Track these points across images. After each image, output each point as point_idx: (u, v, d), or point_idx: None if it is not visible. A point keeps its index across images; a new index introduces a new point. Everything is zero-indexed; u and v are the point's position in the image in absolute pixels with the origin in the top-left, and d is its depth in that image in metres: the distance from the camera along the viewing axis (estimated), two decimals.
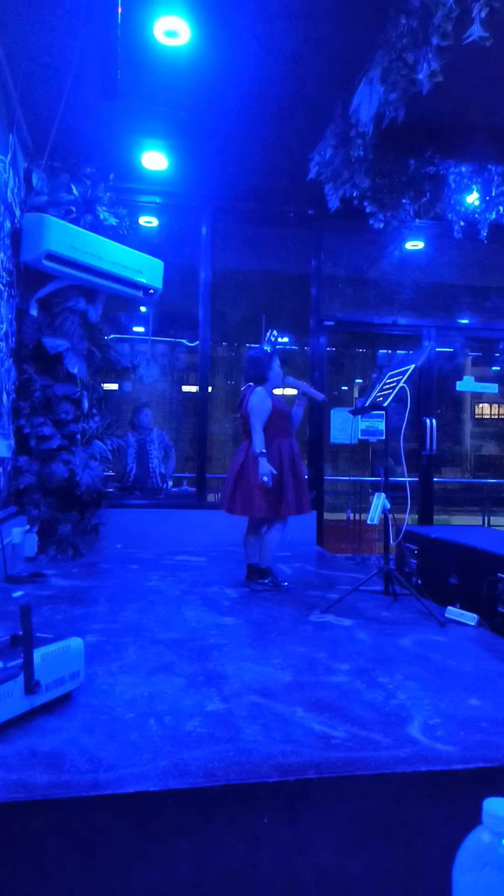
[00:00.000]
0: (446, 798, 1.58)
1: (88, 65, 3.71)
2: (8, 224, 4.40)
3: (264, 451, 3.67)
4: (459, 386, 6.65)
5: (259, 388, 3.80)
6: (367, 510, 3.53)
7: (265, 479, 3.59)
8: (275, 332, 4.00)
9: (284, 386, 3.99)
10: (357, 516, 6.29)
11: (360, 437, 6.14)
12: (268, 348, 3.94)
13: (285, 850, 1.49)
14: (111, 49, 3.40)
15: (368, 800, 1.55)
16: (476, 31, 2.81)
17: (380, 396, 3.59)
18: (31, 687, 1.79)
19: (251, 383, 3.89)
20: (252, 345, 4.16)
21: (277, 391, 3.96)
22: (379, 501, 3.42)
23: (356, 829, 1.54)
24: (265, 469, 3.61)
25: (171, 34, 3.74)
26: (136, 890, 1.42)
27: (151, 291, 5.28)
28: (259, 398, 3.75)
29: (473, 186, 4.65)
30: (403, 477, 3.53)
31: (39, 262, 4.54)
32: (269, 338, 3.99)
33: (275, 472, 3.66)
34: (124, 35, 3.39)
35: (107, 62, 3.48)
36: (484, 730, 1.84)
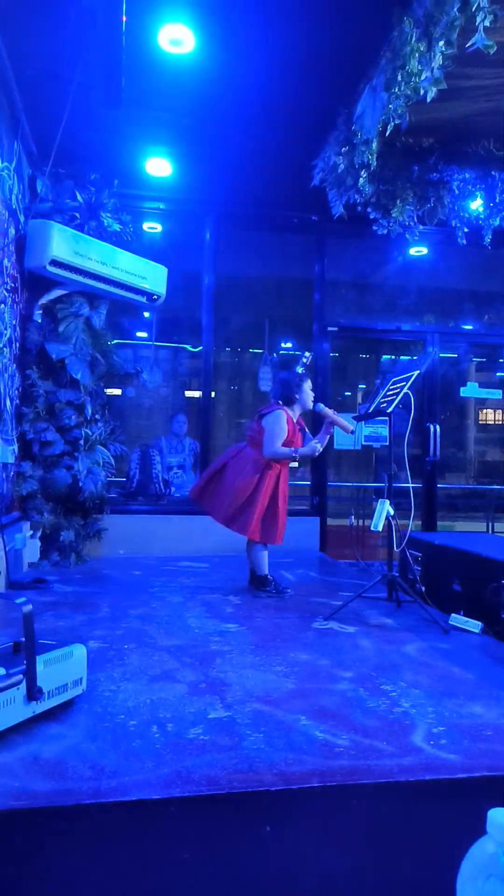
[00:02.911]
0: (450, 807, 1.57)
1: (93, 73, 3.72)
2: (12, 230, 4.41)
3: (299, 450, 3.80)
4: (463, 392, 6.64)
5: (281, 412, 3.81)
6: (370, 516, 3.52)
7: (317, 444, 3.79)
8: (307, 354, 4.04)
9: (315, 411, 3.95)
10: (360, 522, 6.26)
11: (363, 442, 6.14)
12: (300, 369, 3.96)
13: (288, 858, 1.48)
14: (115, 57, 3.41)
15: (372, 808, 1.55)
16: (480, 39, 2.82)
17: (383, 402, 3.58)
18: (34, 694, 1.79)
19: (280, 401, 3.90)
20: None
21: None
22: (383, 507, 3.41)
23: (359, 837, 1.53)
24: (318, 441, 3.79)
25: (175, 42, 3.76)
26: None
27: (155, 297, 5.29)
28: (278, 422, 3.77)
29: (477, 193, 4.66)
30: (407, 483, 3.53)
31: (43, 268, 4.55)
32: (303, 360, 4.01)
33: (321, 445, 3.81)
34: (129, 43, 3.39)
35: (111, 70, 3.49)
36: (488, 738, 1.83)
